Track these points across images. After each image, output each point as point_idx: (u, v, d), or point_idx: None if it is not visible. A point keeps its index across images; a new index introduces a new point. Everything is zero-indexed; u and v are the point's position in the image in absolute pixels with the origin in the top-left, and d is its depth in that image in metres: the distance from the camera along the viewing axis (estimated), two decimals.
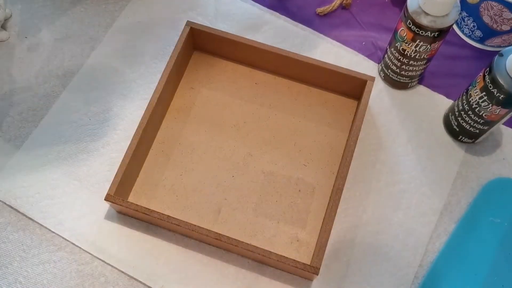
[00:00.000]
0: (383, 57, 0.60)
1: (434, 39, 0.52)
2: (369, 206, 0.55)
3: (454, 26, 0.65)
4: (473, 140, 0.57)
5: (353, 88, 0.57)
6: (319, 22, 0.65)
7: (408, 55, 0.55)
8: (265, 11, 0.66)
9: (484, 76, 0.50)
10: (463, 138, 0.57)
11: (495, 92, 0.48)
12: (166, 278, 0.51)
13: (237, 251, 0.51)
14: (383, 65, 0.60)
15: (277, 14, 0.66)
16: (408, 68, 0.57)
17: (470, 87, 0.53)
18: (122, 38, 0.64)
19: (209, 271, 0.51)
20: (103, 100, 0.60)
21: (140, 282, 0.51)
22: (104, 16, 0.65)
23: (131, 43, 0.63)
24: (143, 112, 0.54)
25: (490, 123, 0.53)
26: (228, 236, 0.48)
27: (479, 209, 0.54)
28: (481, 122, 0.53)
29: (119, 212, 0.53)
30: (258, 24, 0.65)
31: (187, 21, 0.58)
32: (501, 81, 0.48)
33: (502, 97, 0.48)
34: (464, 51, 0.64)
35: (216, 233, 0.48)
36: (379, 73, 0.62)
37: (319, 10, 0.66)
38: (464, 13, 0.62)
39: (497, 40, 0.62)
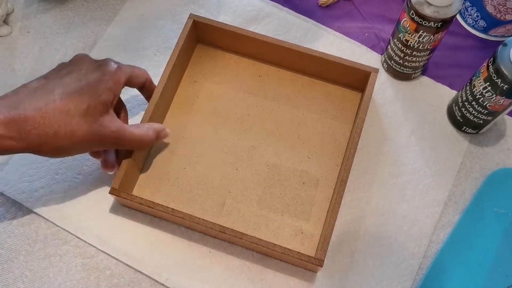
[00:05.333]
0: (386, 48, 0.60)
1: (437, 30, 0.51)
2: (373, 198, 0.55)
3: (458, 16, 0.65)
4: (477, 130, 0.57)
5: (356, 80, 0.57)
6: (322, 13, 0.65)
7: (411, 46, 0.54)
8: (267, 3, 0.65)
9: (487, 66, 0.49)
10: (467, 128, 0.57)
11: (499, 82, 0.48)
12: (170, 271, 0.51)
13: (242, 244, 0.51)
14: (386, 56, 0.60)
15: (279, 6, 0.65)
16: (411, 59, 0.56)
17: (474, 77, 0.52)
18: (124, 31, 0.63)
19: (213, 264, 0.52)
20: None
21: (145, 275, 0.51)
22: (106, 10, 0.65)
23: (133, 36, 0.63)
24: (147, 105, 0.54)
25: (494, 114, 0.53)
26: (232, 229, 0.48)
27: (483, 199, 0.54)
28: (485, 112, 0.53)
29: (124, 206, 0.54)
30: (260, 16, 0.65)
31: (190, 14, 0.58)
32: (505, 71, 0.47)
33: (506, 87, 0.48)
34: (467, 41, 0.63)
35: (221, 226, 0.48)
36: (382, 64, 0.61)
37: (321, 1, 0.65)
38: (468, 3, 0.62)
39: (501, 30, 0.61)
